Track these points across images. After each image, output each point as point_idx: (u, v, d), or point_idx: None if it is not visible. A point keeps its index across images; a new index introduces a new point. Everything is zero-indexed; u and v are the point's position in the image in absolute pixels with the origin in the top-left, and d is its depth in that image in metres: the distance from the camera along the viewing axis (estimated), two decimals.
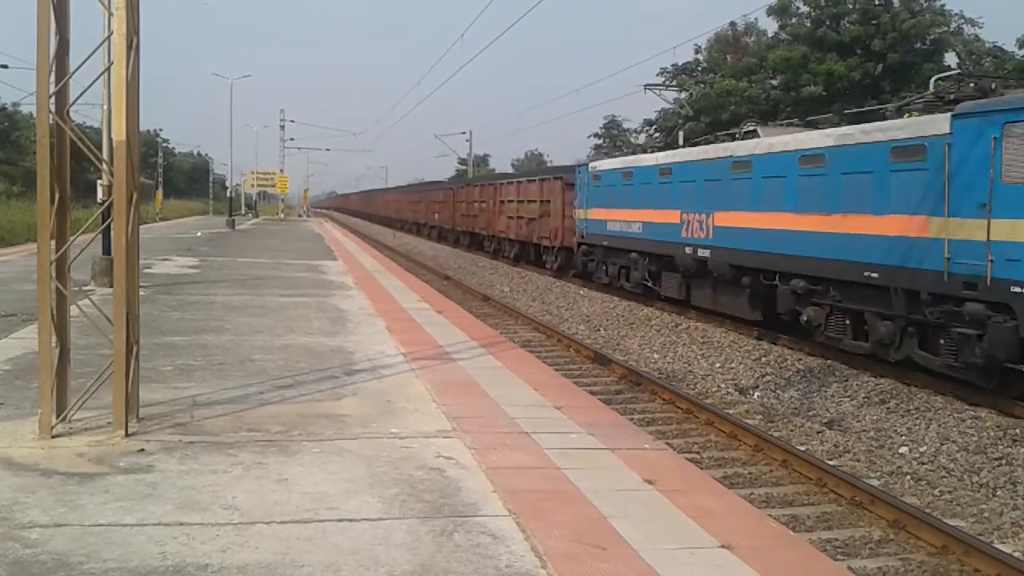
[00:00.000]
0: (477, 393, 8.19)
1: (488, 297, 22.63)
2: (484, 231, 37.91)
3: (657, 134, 50.98)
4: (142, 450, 5.96)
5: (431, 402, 7.68)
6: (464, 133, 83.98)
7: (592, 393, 10.02)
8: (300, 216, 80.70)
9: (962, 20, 40.78)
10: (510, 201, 33.46)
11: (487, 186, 38.43)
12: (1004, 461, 8.96)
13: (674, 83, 46.01)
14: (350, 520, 4.84)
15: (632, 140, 65.03)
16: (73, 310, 6.69)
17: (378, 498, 5.20)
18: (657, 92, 28.77)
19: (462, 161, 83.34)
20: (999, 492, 8.25)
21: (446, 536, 4.64)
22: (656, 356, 15.05)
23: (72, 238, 6.51)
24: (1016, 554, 6.76)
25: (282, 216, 74.99)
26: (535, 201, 30.27)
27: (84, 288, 12.94)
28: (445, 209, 46.37)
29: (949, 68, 40.20)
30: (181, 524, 4.68)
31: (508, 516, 4.98)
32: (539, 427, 6.96)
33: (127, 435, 6.20)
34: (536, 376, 9.25)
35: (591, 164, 25.49)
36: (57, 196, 6.22)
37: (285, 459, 5.90)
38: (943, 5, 40.44)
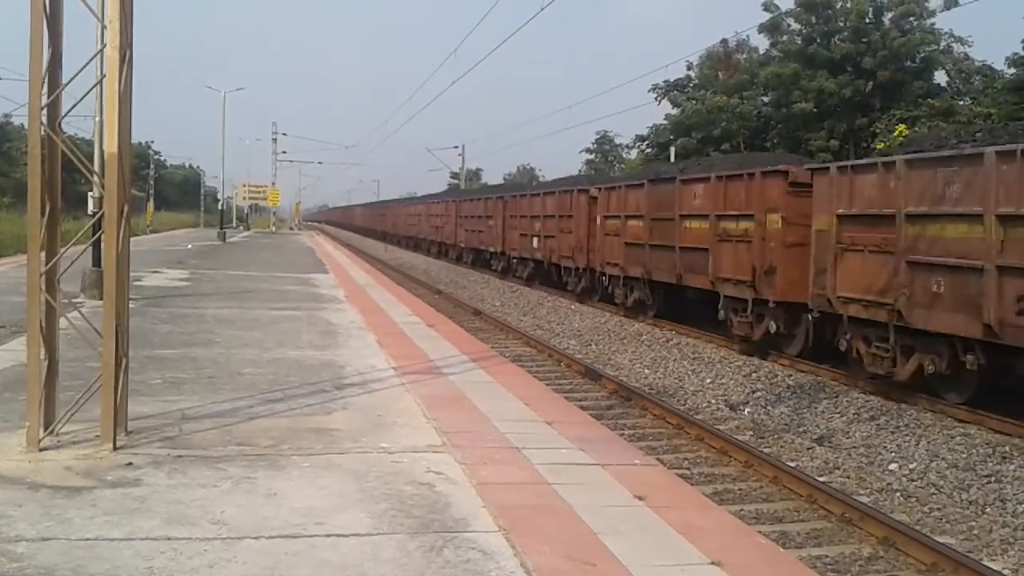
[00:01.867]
0: (468, 408, 8.17)
1: (479, 311, 22.63)
2: (739, 286, 16.18)
3: (649, 149, 51.22)
4: (130, 464, 5.92)
5: (421, 417, 7.65)
6: (456, 147, 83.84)
7: (583, 408, 10.01)
8: (292, 229, 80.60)
9: (952, 39, 41.19)
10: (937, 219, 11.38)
11: (734, 180, 16.67)
12: (993, 478, 8.98)
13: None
14: (339, 535, 4.81)
15: (624, 155, 65.45)
16: (62, 322, 6.66)
17: (367, 513, 5.17)
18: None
19: (454, 175, 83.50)
20: (988, 509, 8.26)
21: (435, 552, 4.62)
22: (647, 371, 15.06)
23: (62, 250, 6.48)
24: (1005, 571, 6.78)
25: (274, 229, 74.89)
26: None
27: (74, 300, 12.92)
28: (565, 228, 26.26)
29: (939, 86, 40.65)
30: (169, 539, 4.65)
31: (498, 532, 4.96)
32: (529, 442, 6.94)
33: (115, 449, 6.15)
34: (527, 391, 9.23)
35: None
36: (48, 208, 6.20)
37: (274, 473, 5.87)
38: (933, 24, 40.83)
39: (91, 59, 7.20)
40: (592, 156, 73.80)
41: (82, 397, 6.42)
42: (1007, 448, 9.83)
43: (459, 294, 27.59)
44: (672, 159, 39.67)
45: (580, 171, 66.18)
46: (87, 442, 6.27)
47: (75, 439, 6.35)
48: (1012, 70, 33.64)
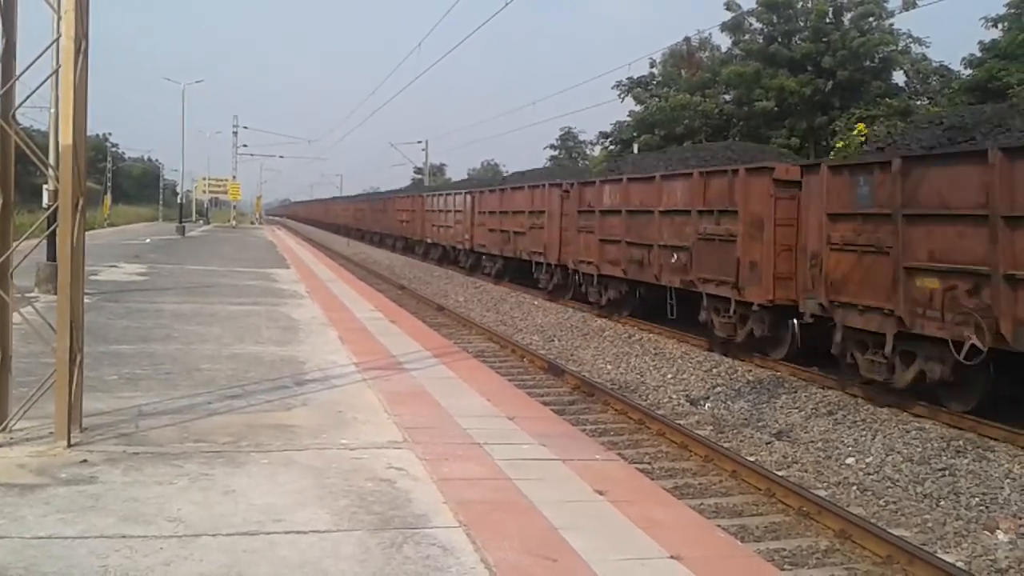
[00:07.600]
0: (429, 403, 8.15)
1: (442, 307, 22.57)
2: None
3: (613, 146, 51.40)
4: (85, 461, 5.83)
5: (383, 412, 7.62)
6: (420, 142, 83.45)
7: (545, 403, 10.04)
8: (253, 223, 79.79)
9: (910, 39, 41.68)
10: None
11: None
12: (947, 472, 9.14)
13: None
14: (298, 532, 4.77)
15: (588, 152, 65.64)
16: (15, 317, 6.54)
17: (327, 510, 5.14)
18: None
19: (418, 170, 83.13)
20: (942, 502, 8.40)
21: (396, 548, 4.60)
22: (609, 367, 15.12)
23: (16, 243, 6.37)
24: (959, 564, 6.89)
25: (234, 223, 74.04)
26: None
27: (27, 295, 12.66)
28: (708, 232, 16.00)
29: (897, 86, 41.22)
30: (124, 537, 4.58)
31: (458, 527, 4.95)
32: (491, 438, 6.94)
33: (70, 445, 6.06)
34: (489, 386, 9.23)
35: None
36: (0, 200, 6.09)
37: (232, 470, 5.81)
38: (892, 24, 41.32)
39: (45, 49, 7.05)
40: (556, 152, 73.84)
41: (36, 393, 6.31)
42: (960, 442, 10.00)
43: (422, 290, 27.49)
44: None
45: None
46: (41, 439, 6.17)
47: (28, 436, 6.24)
48: (968, 71, 34.20)
